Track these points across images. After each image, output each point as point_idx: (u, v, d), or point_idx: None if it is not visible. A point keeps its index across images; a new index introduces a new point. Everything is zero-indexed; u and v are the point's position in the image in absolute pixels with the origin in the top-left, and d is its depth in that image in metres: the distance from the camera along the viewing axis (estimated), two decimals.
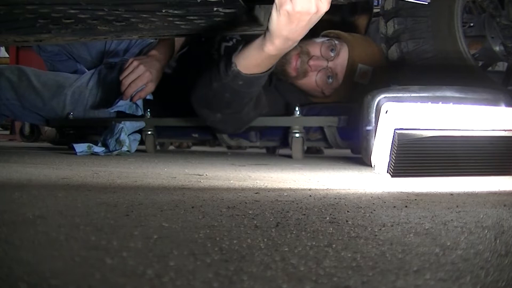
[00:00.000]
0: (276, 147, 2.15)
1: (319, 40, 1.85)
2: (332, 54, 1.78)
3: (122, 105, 1.89)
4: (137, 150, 2.30)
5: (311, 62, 1.78)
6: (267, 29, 1.24)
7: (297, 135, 1.78)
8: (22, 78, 2.22)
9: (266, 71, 1.39)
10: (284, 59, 1.78)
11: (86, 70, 2.40)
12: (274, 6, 1.16)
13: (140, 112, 1.92)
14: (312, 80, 1.81)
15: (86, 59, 2.42)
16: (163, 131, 2.07)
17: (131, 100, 1.87)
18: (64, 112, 2.20)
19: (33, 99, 2.21)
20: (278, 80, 1.88)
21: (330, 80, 1.80)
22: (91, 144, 1.80)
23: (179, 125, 1.98)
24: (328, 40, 1.83)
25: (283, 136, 1.88)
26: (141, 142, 2.13)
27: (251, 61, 1.36)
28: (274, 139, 1.95)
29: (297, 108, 1.78)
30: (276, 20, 1.19)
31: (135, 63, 1.86)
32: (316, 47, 1.80)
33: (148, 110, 1.98)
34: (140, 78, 1.85)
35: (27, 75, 2.23)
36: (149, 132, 2.01)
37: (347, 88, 1.82)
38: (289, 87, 1.88)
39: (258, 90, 1.52)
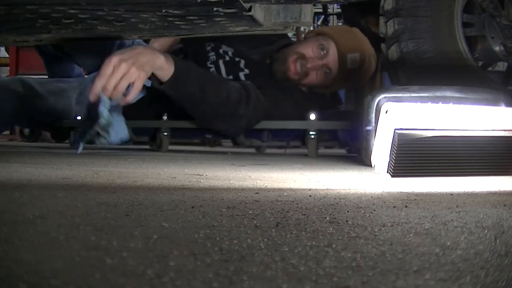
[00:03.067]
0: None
1: (309, 41, 2.09)
2: (323, 53, 2.04)
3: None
4: (138, 150, 2.31)
5: (309, 65, 2.04)
6: None
7: (312, 136, 2.03)
8: (27, 88, 2.29)
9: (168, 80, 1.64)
10: (284, 67, 2.04)
11: (82, 74, 2.43)
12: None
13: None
14: (314, 78, 2.07)
15: (87, 63, 2.44)
16: (177, 132, 2.21)
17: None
18: (70, 114, 2.25)
19: (40, 107, 2.27)
20: (284, 84, 2.08)
21: (327, 73, 2.06)
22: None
23: (193, 127, 2.12)
24: (315, 40, 2.06)
25: (294, 137, 2.13)
26: (142, 142, 2.18)
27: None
28: (285, 139, 2.19)
29: (312, 113, 2.04)
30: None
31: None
32: (309, 49, 2.05)
33: (165, 113, 2.12)
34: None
35: (31, 84, 2.30)
36: (165, 133, 2.16)
37: (344, 76, 2.08)
38: (295, 89, 2.10)
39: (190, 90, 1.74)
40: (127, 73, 1.51)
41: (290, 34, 2.53)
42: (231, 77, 2.09)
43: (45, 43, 1.96)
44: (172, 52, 2.17)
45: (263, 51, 2.15)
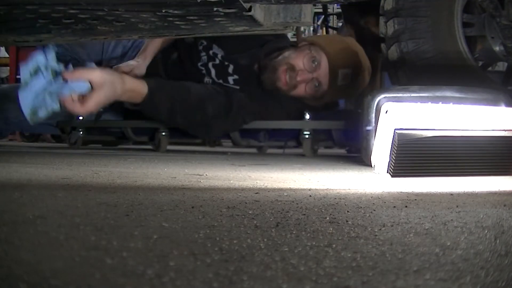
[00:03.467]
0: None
1: (300, 52, 2.00)
2: (314, 65, 1.96)
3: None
4: (137, 150, 2.32)
5: (299, 78, 1.97)
6: None
7: (307, 136, 2.02)
8: None
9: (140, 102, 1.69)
10: (274, 77, 1.99)
11: None
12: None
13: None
14: (302, 90, 2.00)
15: (86, 61, 2.46)
16: (175, 132, 2.18)
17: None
18: (72, 116, 2.27)
19: None
20: (272, 93, 2.04)
21: (317, 86, 1.99)
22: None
23: None
24: (307, 52, 1.98)
25: (290, 137, 2.11)
26: (143, 142, 2.19)
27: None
28: (281, 139, 2.17)
29: (306, 113, 2.02)
30: None
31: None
32: (299, 60, 1.98)
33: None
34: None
35: None
36: (164, 133, 2.15)
37: (334, 91, 2.02)
38: (283, 96, 2.05)
39: (161, 111, 1.82)
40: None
41: (289, 34, 2.50)
42: (221, 80, 2.07)
43: (45, 43, 1.97)
44: (165, 49, 2.17)
45: (252, 54, 2.10)
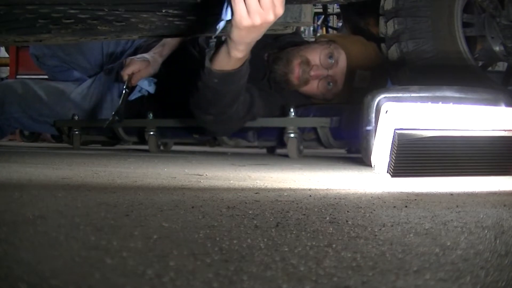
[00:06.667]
0: (274, 147, 2.20)
1: (317, 46, 1.90)
2: (331, 62, 1.85)
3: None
4: (137, 150, 2.32)
5: (312, 73, 1.85)
6: (230, 38, 1.28)
7: (291, 135, 1.83)
8: (26, 89, 2.35)
9: (237, 68, 1.43)
10: (286, 69, 1.86)
11: (87, 78, 2.46)
12: (234, 22, 1.20)
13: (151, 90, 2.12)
14: (314, 87, 1.88)
15: (86, 67, 2.48)
16: (165, 131, 2.12)
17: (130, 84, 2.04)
18: (69, 115, 2.29)
19: (39, 107, 2.36)
20: (279, 86, 1.92)
21: (331, 86, 1.87)
22: None
23: (180, 125, 2.02)
24: (325, 46, 1.87)
25: (280, 136, 1.92)
26: (142, 141, 2.17)
27: (222, 62, 1.41)
28: (271, 139, 2.00)
29: (291, 109, 1.83)
30: (238, 33, 1.24)
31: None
32: (315, 55, 1.86)
33: (150, 111, 2.04)
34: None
35: (31, 86, 2.35)
36: (152, 133, 2.06)
37: (348, 92, 1.90)
38: (290, 91, 1.93)
39: (236, 89, 1.53)
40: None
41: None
42: None
43: (45, 43, 1.97)
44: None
45: (264, 43, 1.83)
